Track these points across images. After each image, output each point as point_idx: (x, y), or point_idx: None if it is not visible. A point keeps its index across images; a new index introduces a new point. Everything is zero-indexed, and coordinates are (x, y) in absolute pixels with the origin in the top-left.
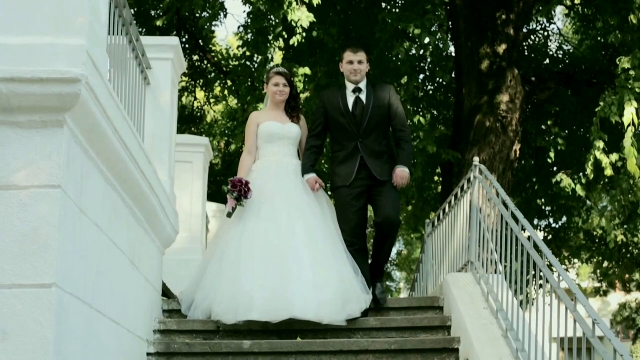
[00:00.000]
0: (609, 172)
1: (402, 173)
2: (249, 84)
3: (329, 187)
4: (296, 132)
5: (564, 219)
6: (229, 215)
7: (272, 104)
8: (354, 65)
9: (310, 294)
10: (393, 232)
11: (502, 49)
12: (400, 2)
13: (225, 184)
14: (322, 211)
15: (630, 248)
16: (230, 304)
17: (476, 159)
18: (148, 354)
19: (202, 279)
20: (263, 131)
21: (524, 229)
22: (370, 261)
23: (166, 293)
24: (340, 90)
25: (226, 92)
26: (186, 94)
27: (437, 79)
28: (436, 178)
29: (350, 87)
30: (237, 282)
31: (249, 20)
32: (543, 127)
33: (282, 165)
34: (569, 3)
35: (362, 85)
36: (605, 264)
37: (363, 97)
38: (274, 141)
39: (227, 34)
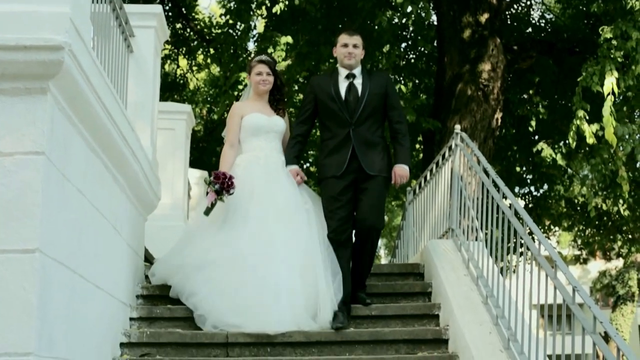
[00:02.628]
0: (591, 140)
1: (401, 171)
2: (232, 51)
3: (311, 181)
4: (282, 125)
5: (545, 186)
6: (208, 211)
7: (255, 94)
8: (349, 48)
9: (286, 307)
10: (372, 239)
11: (484, 17)
12: None
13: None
14: (307, 214)
15: (611, 216)
16: (219, 312)
17: (457, 127)
18: (131, 319)
19: (186, 280)
20: (248, 123)
21: (504, 197)
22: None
23: (148, 259)
24: (332, 75)
25: (209, 60)
26: (169, 61)
27: (419, 48)
28: (417, 146)
29: (343, 72)
30: (225, 298)
31: None
32: (524, 96)
33: (271, 161)
34: None
35: (357, 71)
36: (586, 231)
37: (357, 83)
38: (260, 134)
39: (209, 2)
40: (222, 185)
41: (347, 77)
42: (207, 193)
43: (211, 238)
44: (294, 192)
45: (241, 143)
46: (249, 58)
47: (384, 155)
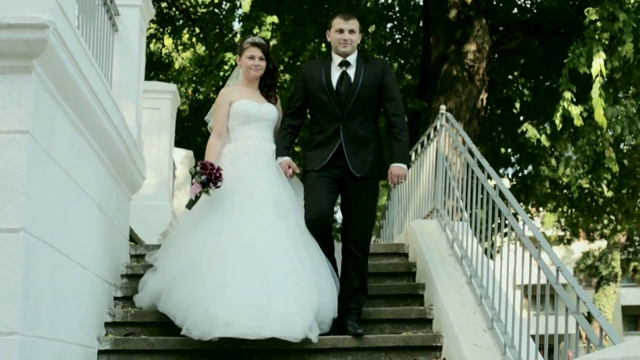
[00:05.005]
0: (578, 122)
1: (399, 171)
2: (217, 31)
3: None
4: (274, 113)
5: (530, 167)
6: (191, 204)
7: (245, 80)
8: (344, 34)
9: (292, 310)
10: (359, 258)
11: None
12: None
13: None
14: (298, 211)
15: (595, 197)
16: (208, 317)
17: (443, 107)
18: (115, 298)
19: (171, 280)
20: (238, 110)
21: (489, 177)
22: (339, 285)
23: (133, 238)
24: (324, 63)
25: (194, 39)
26: (154, 40)
27: (405, 28)
28: None
29: (337, 59)
30: (217, 293)
31: None
32: (509, 77)
33: (261, 152)
34: None
35: (352, 58)
36: (571, 212)
37: (351, 72)
38: (251, 122)
39: None
40: (209, 177)
41: (341, 64)
42: (192, 184)
43: (191, 240)
44: (285, 187)
45: (229, 131)
46: (241, 38)
47: (377, 154)
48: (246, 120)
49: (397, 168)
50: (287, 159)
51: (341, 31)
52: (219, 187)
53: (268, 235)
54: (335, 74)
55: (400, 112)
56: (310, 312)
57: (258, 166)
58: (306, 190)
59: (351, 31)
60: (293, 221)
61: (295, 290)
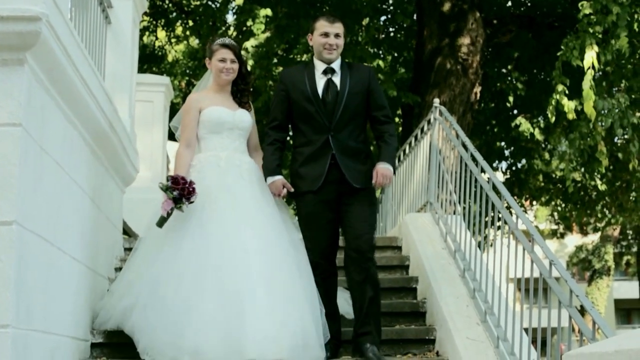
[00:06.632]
0: (571, 115)
1: (384, 171)
2: (210, 24)
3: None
4: (248, 121)
5: (523, 161)
6: (162, 221)
7: (216, 85)
8: (330, 38)
9: (268, 333)
10: (369, 260)
11: None
12: None
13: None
14: (279, 224)
15: (589, 190)
16: (174, 342)
17: (436, 101)
18: (109, 291)
19: (134, 303)
20: (209, 117)
21: (483, 171)
22: (352, 305)
23: (127, 231)
24: (306, 69)
25: (187, 32)
26: (147, 33)
27: (398, 21)
28: (396, 119)
29: (320, 66)
30: (185, 317)
31: None
32: (503, 70)
33: (234, 163)
34: None
35: (336, 65)
36: (564, 206)
37: (336, 79)
38: (223, 131)
39: None
40: (181, 192)
41: (325, 72)
42: (164, 201)
43: (156, 260)
44: (265, 202)
45: (199, 141)
46: (210, 39)
47: (369, 165)
48: (218, 129)
49: (383, 168)
50: (280, 177)
51: (326, 35)
52: (192, 202)
53: (240, 255)
54: (320, 82)
55: (390, 120)
56: (290, 330)
57: (230, 180)
58: (305, 222)
59: (337, 35)
60: (275, 242)
61: (271, 312)
